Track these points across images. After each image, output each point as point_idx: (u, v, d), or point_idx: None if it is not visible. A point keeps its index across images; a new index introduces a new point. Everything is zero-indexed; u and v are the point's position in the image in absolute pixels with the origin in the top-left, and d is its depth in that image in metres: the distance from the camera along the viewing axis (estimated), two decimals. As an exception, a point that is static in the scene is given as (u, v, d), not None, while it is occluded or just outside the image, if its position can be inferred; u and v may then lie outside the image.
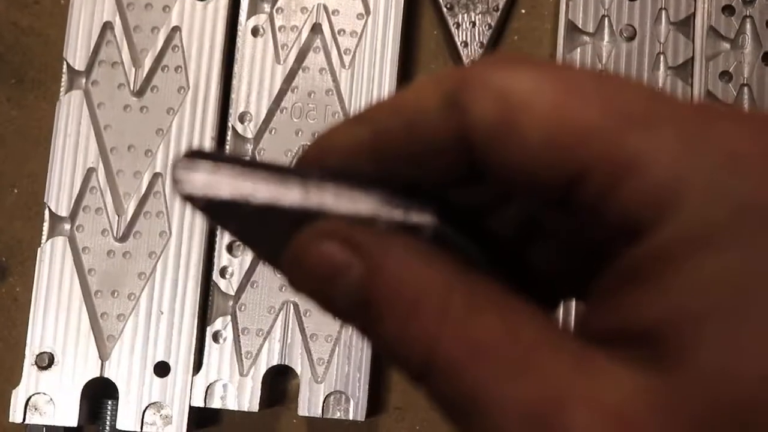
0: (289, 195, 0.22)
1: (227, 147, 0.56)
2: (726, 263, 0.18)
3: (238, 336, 0.54)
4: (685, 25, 0.57)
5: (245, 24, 0.57)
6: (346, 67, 0.56)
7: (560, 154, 0.20)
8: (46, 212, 0.55)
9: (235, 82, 0.57)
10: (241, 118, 0.56)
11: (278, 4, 0.57)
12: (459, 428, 0.20)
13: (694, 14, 0.57)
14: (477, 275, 0.21)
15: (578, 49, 0.57)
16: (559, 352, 0.19)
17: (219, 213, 0.22)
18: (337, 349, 0.54)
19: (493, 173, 0.21)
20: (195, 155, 0.21)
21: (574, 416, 0.18)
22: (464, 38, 0.58)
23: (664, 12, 0.57)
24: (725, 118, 0.19)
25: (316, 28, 0.57)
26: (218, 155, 0.22)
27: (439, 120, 0.21)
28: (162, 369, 0.53)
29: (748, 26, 0.57)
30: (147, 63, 0.57)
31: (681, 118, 0.19)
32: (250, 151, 0.56)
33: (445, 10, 0.58)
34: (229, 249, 0.55)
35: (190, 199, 0.21)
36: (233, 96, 0.57)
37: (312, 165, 0.23)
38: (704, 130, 0.19)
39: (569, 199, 0.20)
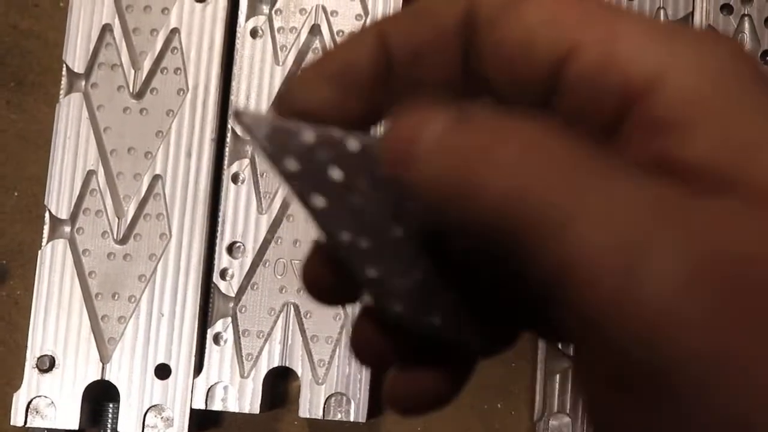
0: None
1: (227, 149, 0.56)
2: (737, 96, 0.20)
3: (239, 338, 0.54)
4: (684, 23, 0.57)
5: (244, 25, 0.57)
6: (345, 69, 0.56)
7: (558, 33, 0.21)
8: (47, 215, 0.55)
9: (234, 83, 0.57)
10: (241, 120, 0.56)
11: (277, 6, 0.57)
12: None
13: (692, 13, 0.57)
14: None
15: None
16: (637, 189, 0.19)
17: (278, 145, 0.22)
18: (337, 350, 0.54)
19: (489, 52, 0.22)
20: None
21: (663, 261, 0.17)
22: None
23: (662, 11, 0.57)
24: (696, 30, 0.23)
25: (314, 30, 0.57)
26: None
27: (448, 2, 0.23)
28: (163, 371, 0.53)
29: (747, 25, 0.57)
30: (146, 65, 0.57)
31: (664, 22, 0.23)
32: (249, 153, 0.56)
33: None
34: (229, 251, 0.55)
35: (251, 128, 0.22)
36: (232, 97, 0.57)
37: (312, 80, 0.24)
38: (683, 28, 0.22)
39: (558, 84, 0.21)
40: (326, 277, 0.24)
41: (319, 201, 0.22)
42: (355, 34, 0.24)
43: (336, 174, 0.22)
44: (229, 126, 0.56)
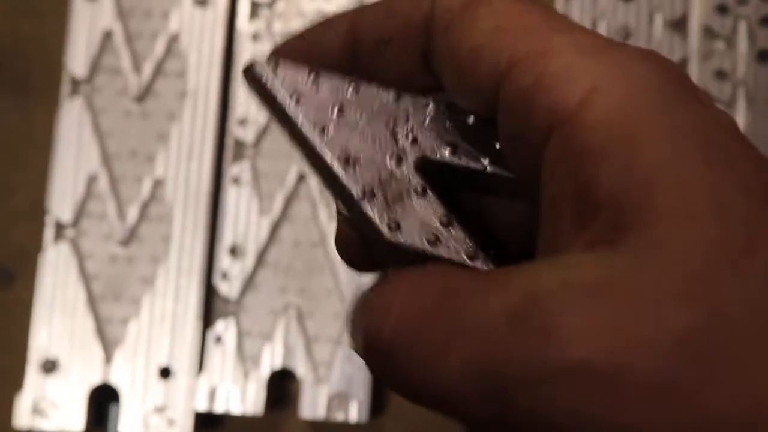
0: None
1: (228, 151, 0.57)
2: (649, 123, 0.20)
3: (241, 339, 0.54)
4: (680, 24, 0.58)
5: (244, 29, 0.58)
6: (345, 71, 0.57)
7: (499, 43, 0.22)
8: (50, 218, 0.55)
9: (234, 86, 0.57)
10: (242, 123, 0.56)
11: (276, 10, 0.58)
12: (432, 375, 0.20)
13: (688, 14, 0.58)
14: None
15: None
16: (530, 265, 0.20)
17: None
18: (339, 351, 0.54)
19: (441, 57, 0.23)
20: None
21: (556, 301, 0.19)
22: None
23: (658, 12, 0.58)
24: (630, 46, 0.22)
25: (314, 33, 0.57)
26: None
27: (414, 3, 0.24)
28: (165, 373, 0.54)
29: (743, 25, 0.57)
30: (147, 69, 0.57)
31: (601, 37, 0.22)
32: (250, 156, 0.57)
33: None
34: (230, 252, 0.55)
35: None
36: (233, 101, 0.57)
37: (286, 55, 0.25)
38: (618, 43, 0.22)
39: (498, 98, 0.22)
40: (354, 245, 0.26)
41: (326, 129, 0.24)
42: (329, 19, 0.25)
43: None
44: (230, 129, 0.57)
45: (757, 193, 0.19)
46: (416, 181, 0.24)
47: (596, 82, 0.20)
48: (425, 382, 0.20)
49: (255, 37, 0.58)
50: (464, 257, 0.23)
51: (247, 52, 0.57)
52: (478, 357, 0.19)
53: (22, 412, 0.53)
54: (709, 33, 0.58)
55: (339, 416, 0.54)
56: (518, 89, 0.21)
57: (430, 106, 0.24)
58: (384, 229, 0.23)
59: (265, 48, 0.57)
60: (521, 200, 0.25)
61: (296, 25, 0.58)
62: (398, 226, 0.23)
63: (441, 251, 0.23)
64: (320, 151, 0.24)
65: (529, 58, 0.21)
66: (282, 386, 0.57)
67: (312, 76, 0.24)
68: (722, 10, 0.58)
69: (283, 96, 0.24)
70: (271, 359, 0.54)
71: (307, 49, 0.25)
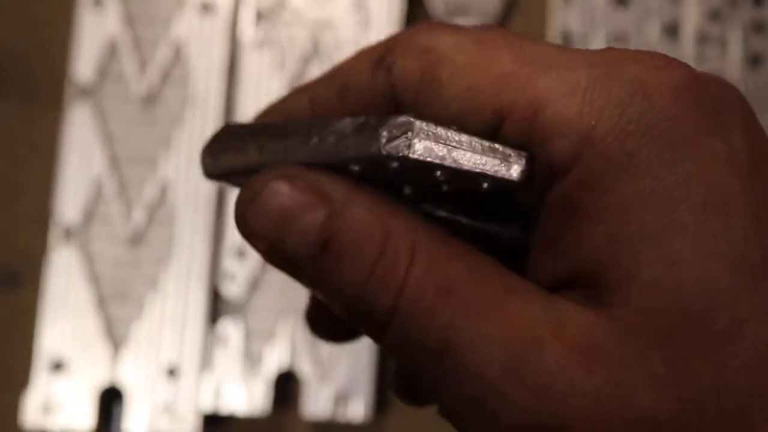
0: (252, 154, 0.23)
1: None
2: (642, 185, 0.19)
3: (245, 339, 0.55)
4: (674, 30, 0.59)
5: (248, 37, 0.59)
6: (347, 76, 0.58)
7: (479, 101, 0.20)
8: (56, 222, 0.56)
9: (237, 92, 0.58)
10: (246, 127, 0.57)
11: (280, 17, 0.59)
12: (425, 374, 0.20)
13: (682, 19, 0.59)
14: (441, 228, 0.21)
15: (572, 56, 0.59)
16: (527, 297, 0.20)
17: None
18: (343, 350, 0.55)
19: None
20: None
21: (547, 352, 0.19)
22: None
23: (652, 17, 0.59)
24: (629, 58, 0.20)
25: (316, 40, 0.59)
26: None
27: (369, 81, 0.22)
28: (171, 373, 0.54)
29: (736, 30, 0.59)
30: (152, 75, 0.58)
31: (590, 62, 0.20)
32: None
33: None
34: (235, 254, 0.56)
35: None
36: (236, 107, 0.58)
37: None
38: (612, 68, 0.20)
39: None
40: (325, 321, 0.27)
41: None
42: (288, 98, 0.25)
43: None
44: (234, 134, 0.58)
45: (748, 265, 0.18)
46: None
47: (589, 133, 0.19)
48: (424, 369, 0.20)
49: (258, 44, 0.58)
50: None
51: (250, 58, 0.58)
52: (472, 377, 0.19)
53: (29, 412, 0.53)
54: (702, 38, 0.59)
55: (343, 416, 0.54)
56: (515, 136, 0.21)
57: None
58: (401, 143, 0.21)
59: (267, 56, 0.58)
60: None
61: (300, 32, 0.59)
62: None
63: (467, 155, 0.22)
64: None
65: (515, 113, 0.20)
66: (287, 386, 0.57)
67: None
68: (715, 15, 0.59)
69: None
70: (276, 360, 0.55)
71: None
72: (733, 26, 0.59)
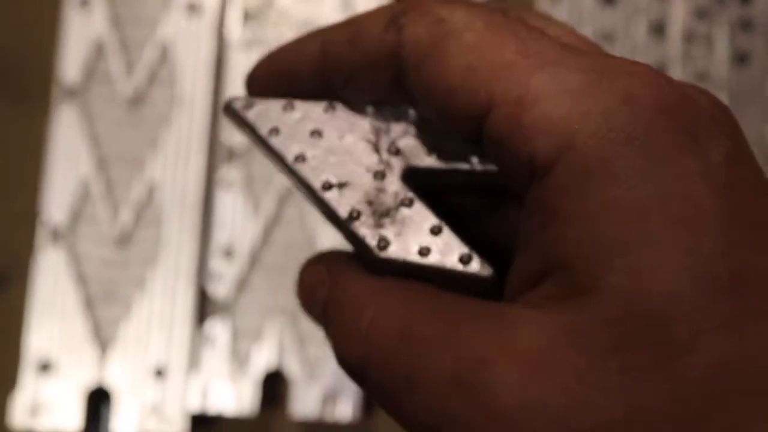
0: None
1: (219, 154, 0.58)
2: (618, 193, 0.19)
3: (233, 339, 0.55)
4: (661, 28, 0.59)
5: (235, 36, 0.59)
6: (334, 76, 0.58)
7: (475, 83, 0.21)
8: (43, 223, 0.56)
9: (225, 93, 0.58)
10: (233, 128, 0.57)
11: (267, 17, 0.59)
12: (399, 413, 0.21)
13: (669, 18, 0.59)
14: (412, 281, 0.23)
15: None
16: (480, 318, 0.20)
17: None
18: (331, 350, 0.55)
19: (417, 94, 0.23)
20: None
21: (496, 371, 0.19)
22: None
23: (639, 16, 0.59)
24: (624, 69, 0.21)
25: (304, 39, 0.59)
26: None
27: (380, 36, 0.23)
28: (159, 374, 0.54)
29: (723, 28, 0.59)
30: (139, 76, 0.58)
31: (587, 67, 0.20)
32: (241, 160, 0.57)
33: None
34: (223, 254, 0.56)
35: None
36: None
37: (261, 78, 0.26)
38: (605, 76, 0.20)
39: (481, 134, 0.21)
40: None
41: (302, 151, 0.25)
42: (302, 39, 0.26)
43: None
44: (221, 133, 0.58)
45: (714, 280, 0.18)
46: (403, 193, 0.24)
47: (572, 137, 0.19)
48: (397, 409, 0.21)
49: (245, 44, 0.59)
50: (457, 263, 0.23)
51: (237, 59, 0.58)
52: (432, 408, 0.20)
53: (17, 413, 0.53)
54: (689, 36, 0.59)
55: (332, 415, 0.54)
56: (498, 134, 0.21)
57: (410, 113, 0.24)
58: (374, 248, 0.23)
59: (254, 56, 0.58)
60: (514, 195, 0.25)
61: (287, 32, 0.59)
62: (388, 243, 0.23)
63: (432, 260, 0.23)
64: (305, 179, 0.24)
65: (505, 104, 0.20)
66: (275, 386, 0.57)
67: (286, 107, 0.24)
68: (702, 14, 0.59)
69: (261, 130, 0.25)
70: (264, 359, 0.55)
71: (284, 69, 0.26)
72: (720, 24, 0.59)
